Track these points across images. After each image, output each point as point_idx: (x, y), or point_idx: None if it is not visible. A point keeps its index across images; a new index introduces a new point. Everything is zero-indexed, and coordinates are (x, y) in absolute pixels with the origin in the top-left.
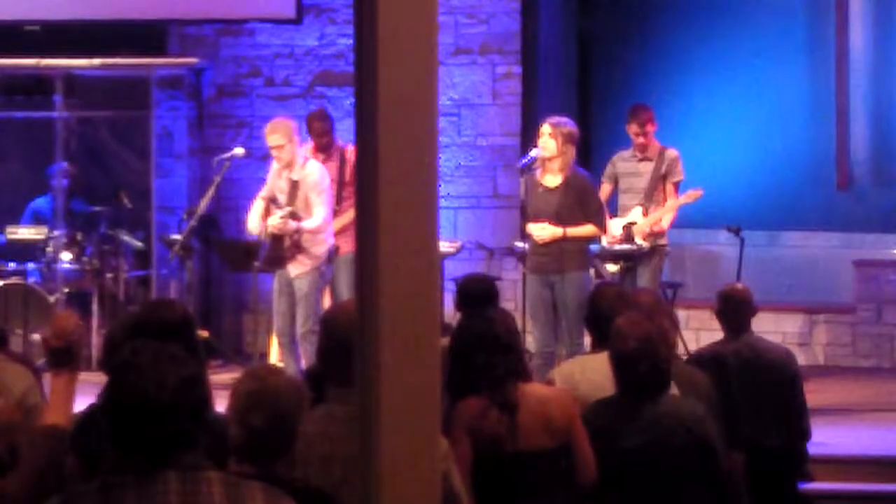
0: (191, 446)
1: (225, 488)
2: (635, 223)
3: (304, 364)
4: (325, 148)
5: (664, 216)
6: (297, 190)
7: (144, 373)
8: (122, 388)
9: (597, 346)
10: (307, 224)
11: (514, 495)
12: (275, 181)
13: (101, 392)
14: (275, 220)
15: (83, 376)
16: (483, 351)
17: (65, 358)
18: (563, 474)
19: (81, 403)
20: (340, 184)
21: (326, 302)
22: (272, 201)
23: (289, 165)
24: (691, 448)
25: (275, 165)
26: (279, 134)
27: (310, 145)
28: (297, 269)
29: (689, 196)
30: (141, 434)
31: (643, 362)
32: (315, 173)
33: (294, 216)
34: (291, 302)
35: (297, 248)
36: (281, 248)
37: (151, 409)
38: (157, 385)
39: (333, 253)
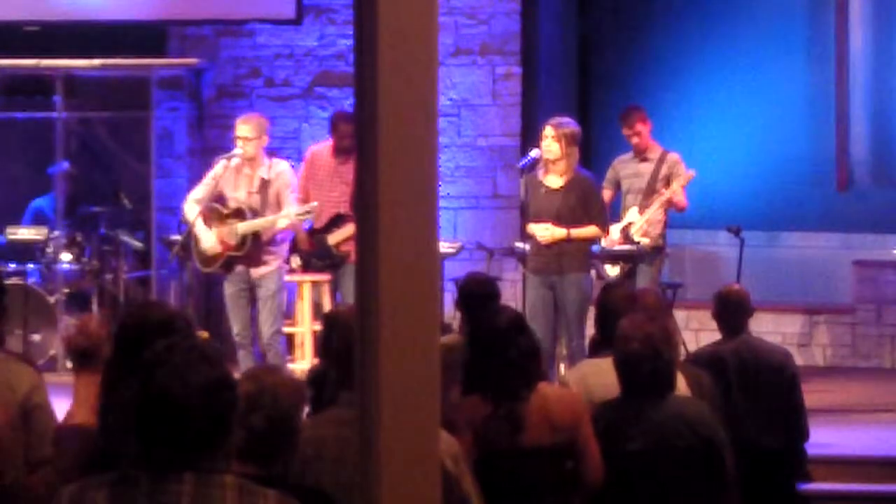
0: (212, 449)
1: (238, 494)
2: (633, 223)
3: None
4: (346, 150)
5: (676, 189)
6: (269, 188)
7: (173, 371)
8: (150, 385)
9: (603, 345)
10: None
11: (515, 492)
12: (233, 179)
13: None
14: (291, 214)
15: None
16: (500, 363)
17: (90, 358)
18: (569, 474)
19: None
20: None
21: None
22: (217, 200)
23: (251, 160)
24: (697, 449)
25: (232, 163)
26: (250, 126)
27: (328, 144)
28: (261, 268)
29: (685, 178)
30: (163, 432)
31: (646, 363)
32: (288, 172)
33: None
34: (252, 303)
35: (264, 247)
36: (261, 249)
37: (176, 409)
38: (184, 385)
39: (342, 259)
